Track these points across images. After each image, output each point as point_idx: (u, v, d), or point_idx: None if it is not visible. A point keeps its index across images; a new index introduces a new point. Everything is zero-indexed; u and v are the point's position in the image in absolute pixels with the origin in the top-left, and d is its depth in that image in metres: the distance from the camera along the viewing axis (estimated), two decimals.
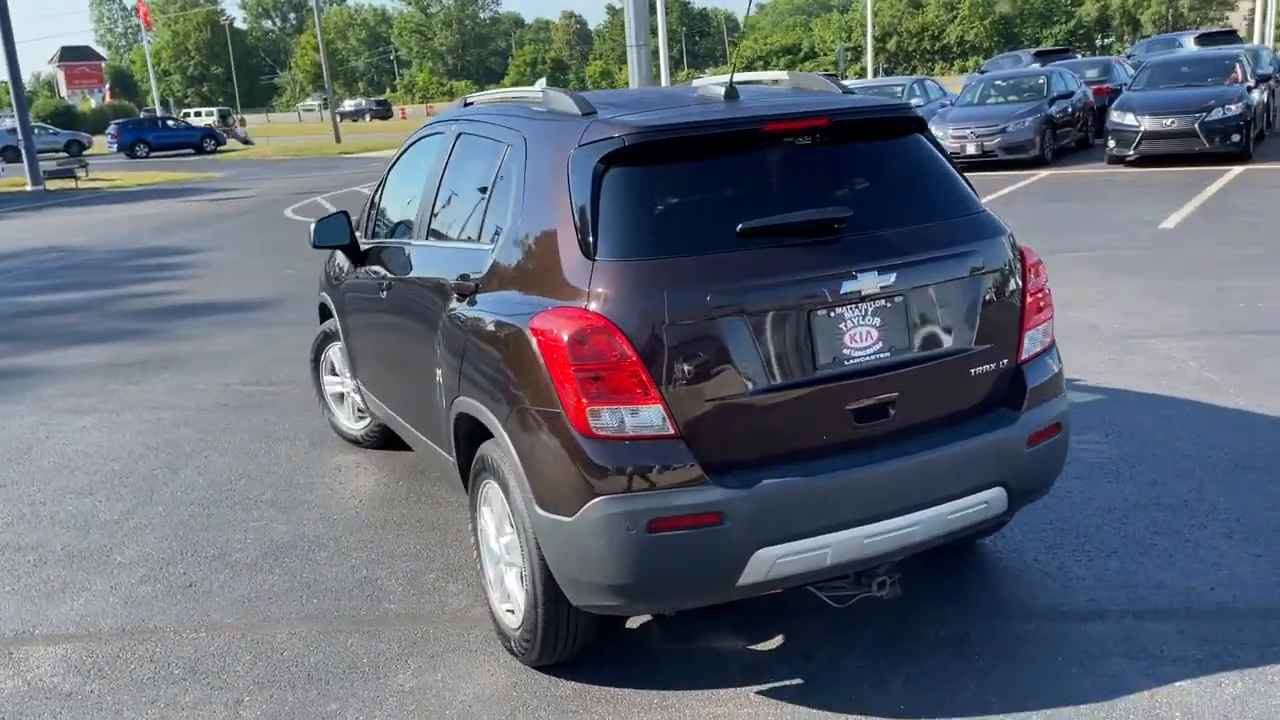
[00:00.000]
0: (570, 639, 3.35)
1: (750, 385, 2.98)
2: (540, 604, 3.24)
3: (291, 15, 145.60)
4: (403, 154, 4.93)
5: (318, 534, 4.74)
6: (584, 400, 2.95)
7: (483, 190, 3.82)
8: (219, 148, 47.62)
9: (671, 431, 2.94)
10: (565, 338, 2.96)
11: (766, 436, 3.03)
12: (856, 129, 3.39)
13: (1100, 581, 3.79)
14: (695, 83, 4.69)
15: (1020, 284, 3.41)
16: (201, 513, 5.08)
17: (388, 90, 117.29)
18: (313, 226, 4.99)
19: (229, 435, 6.26)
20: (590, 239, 3.06)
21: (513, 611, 3.54)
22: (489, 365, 3.34)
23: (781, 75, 4.09)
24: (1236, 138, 14.81)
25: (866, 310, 3.09)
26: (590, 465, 2.94)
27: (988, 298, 3.31)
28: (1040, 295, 3.47)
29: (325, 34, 62.65)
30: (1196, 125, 14.82)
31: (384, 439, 5.75)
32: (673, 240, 3.06)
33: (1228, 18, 67.40)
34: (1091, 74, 20.24)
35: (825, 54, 77.68)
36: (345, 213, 5.06)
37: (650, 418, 2.94)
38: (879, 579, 3.25)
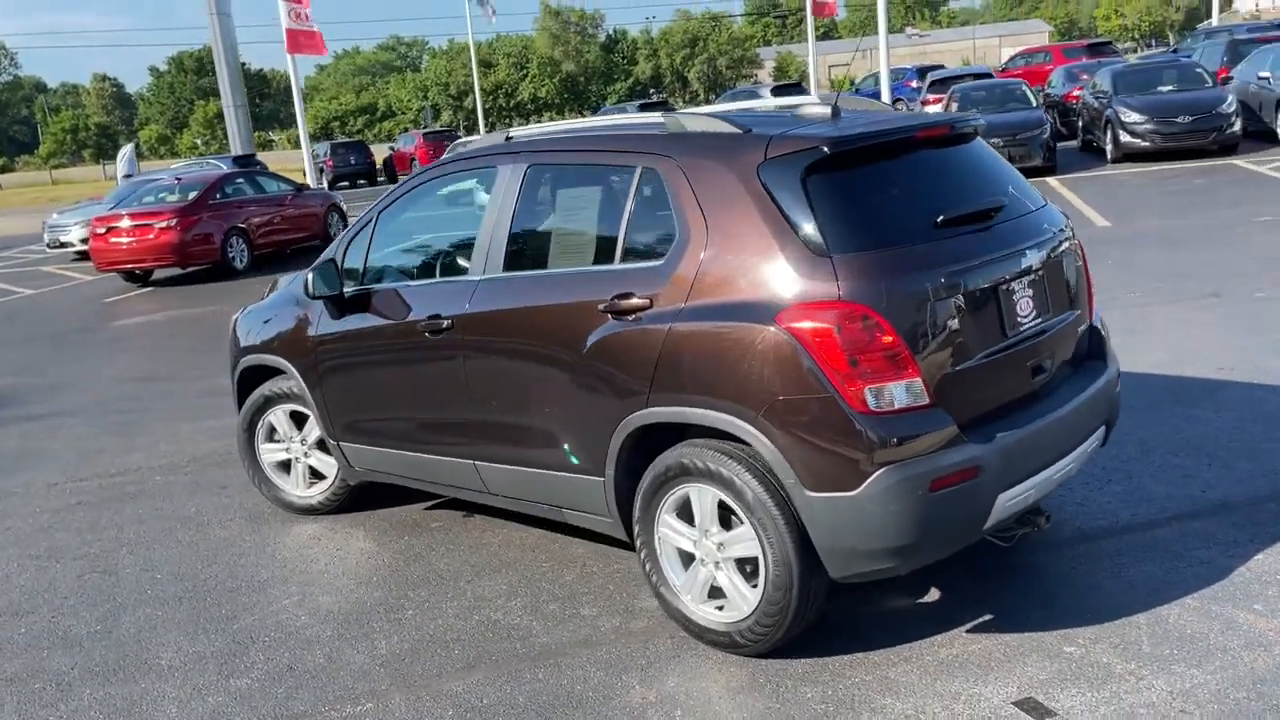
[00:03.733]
0: (807, 616, 3.56)
1: (973, 352, 3.44)
2: (796, 585, 3.43)
3: None
4: (398, 199, 4.77)
5: (377, 598, 4.43)
6: (857, 381, 3.24)
7: (608, 215, 3.94)
8: None
9: (929, 400, 3.32)
10: (831, 327, 3.23)
11: (983, 396, 3.51)
12: (960, 136, 3.97)
13: (1121, 501, 4.62)
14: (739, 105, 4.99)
15: (1082, 259, 4.15)
16: (207, 605, 4.52)
17: None
18: (309, 277, 4.70)
19: (129, 530, 5.53)
20: (820, 238, 3.35)
21: (722, 608, 3.68)
22: (713, 369, 3.46)
23: (813, 99, 4.57)
24: None
25: (1026, 283, 3.67)
26: (870, 440, 3.23)
27: (1074, 270, 4.02)
28: (1088, 268, 4.24)
29: None
30: None
31: (349, 502, 5.41)
32: (888, 232, 3.44)
33: (756, 74, 77.23)
34: None
35: (403, 113, 78.34)
36: (334, 260, 4.80)
37: (913, 389, 3.29)
38: (1043, 515, 3.83)
